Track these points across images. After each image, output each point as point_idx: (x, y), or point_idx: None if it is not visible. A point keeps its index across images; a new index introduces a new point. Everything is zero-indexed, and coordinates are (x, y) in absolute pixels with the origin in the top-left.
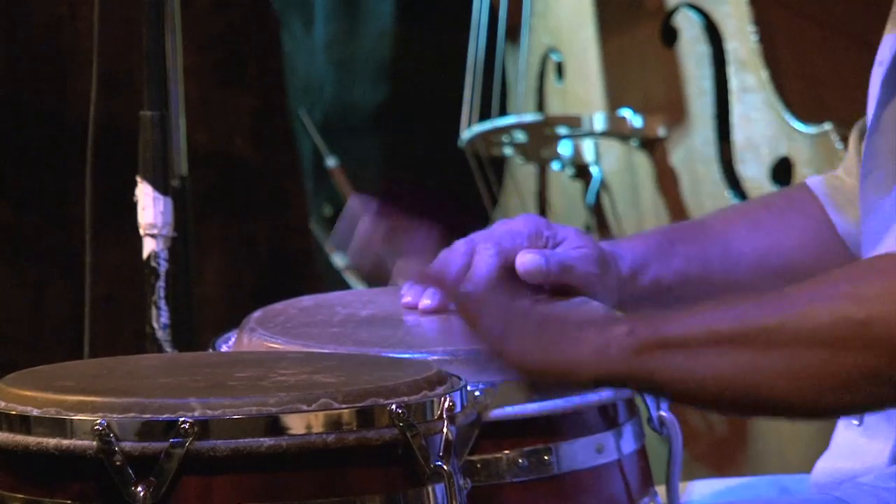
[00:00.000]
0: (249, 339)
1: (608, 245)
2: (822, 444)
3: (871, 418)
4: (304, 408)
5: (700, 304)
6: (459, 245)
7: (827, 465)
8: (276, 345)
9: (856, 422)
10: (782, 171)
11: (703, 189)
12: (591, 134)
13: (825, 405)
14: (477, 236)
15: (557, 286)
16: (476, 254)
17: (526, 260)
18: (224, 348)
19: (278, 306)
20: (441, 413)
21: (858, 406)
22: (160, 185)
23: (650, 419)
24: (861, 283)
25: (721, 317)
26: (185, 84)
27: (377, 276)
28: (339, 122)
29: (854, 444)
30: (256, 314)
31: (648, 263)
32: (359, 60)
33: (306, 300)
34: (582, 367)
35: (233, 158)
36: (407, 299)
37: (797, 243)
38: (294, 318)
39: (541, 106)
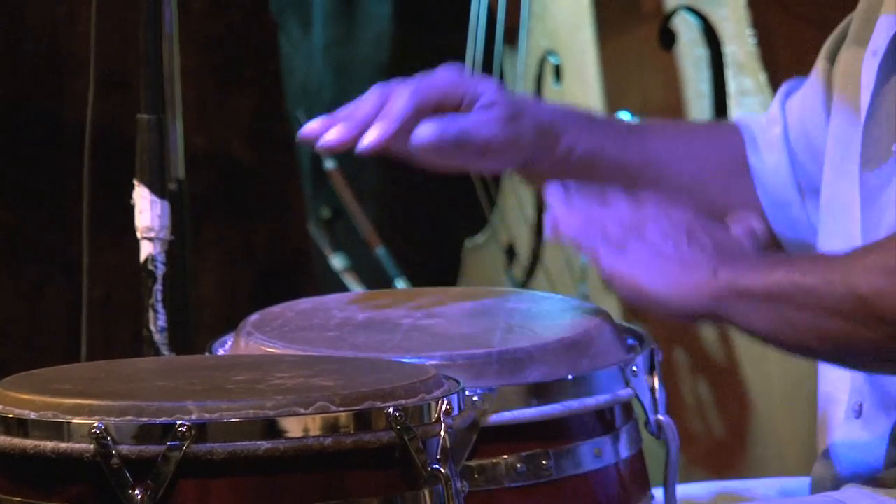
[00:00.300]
0: (246, 342)
1: (526, 100)
2: (822, 446)
3: (869, 411)
4: (302, 411)
5: (769, 259)
6: (374, 89)
7: (825, 465)
8: (273, 348)
9: (854, 414)
10: None
11: None
12: None
13: (848, 363)
14: (393, 84)
15: (461, 152)
16: (391, 96)
17: (422, 132)
18: (220, 352)
19: (275, 309)
20: (438, 416)
21: (874, 370)
22: (157, 188)
23: (647, 423)
24: (872, 257)
25: (778, 276)
26: (183, 87)
27: None
28: None
29: (853, 437)
30: (253, 317)
31: (569, 128)
32: (357, 63)
33: (304, 303)
34: (671, 301)
35: (230, 161)
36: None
37: (713, 160)
38: (291, 321)
39: None
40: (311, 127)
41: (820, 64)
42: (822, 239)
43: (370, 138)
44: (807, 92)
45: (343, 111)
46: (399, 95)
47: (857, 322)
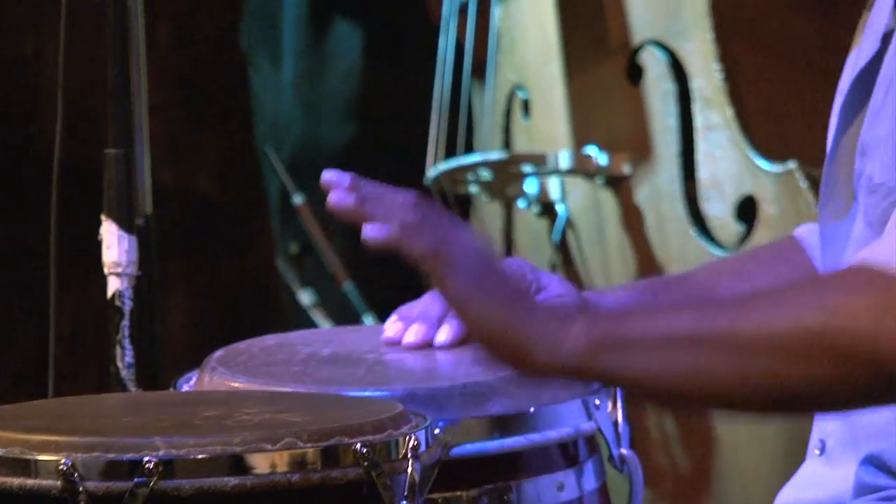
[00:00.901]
0: (210, 377)
1: (593, 295)
2: (786, 479)
3: (833, 447)
4: (269, 447)
5: (658, 306)
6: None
7: (790, 495)
8: (237, 384)
9: (817, 451)
10: (747, 210)
11: (668, 227)
12: (557, 172)
13: (774, 409)
14: None
15: None
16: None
17: None
18: (185, 388)
19: (241, 345)
20: (406, 452)
21: (806, 412)
22: (125, 224)
23: (611, 457)
24: (821, 294)
25: (678, 318)
26: (150, 122)
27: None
28: (307, 159)
29: (817, 474)
30: (218, 353)
31: None
32: (326, 98)
33: (269, 339)
34: (535, 351)
35: (198, 196)
36: (389, 335)
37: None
38: (256, 356)
39: (507, 143)
40: (389, 335)
41: None
42: None
43: (447, 336)
44: None
45: (417, 311)
46: None
47: (805, 359)
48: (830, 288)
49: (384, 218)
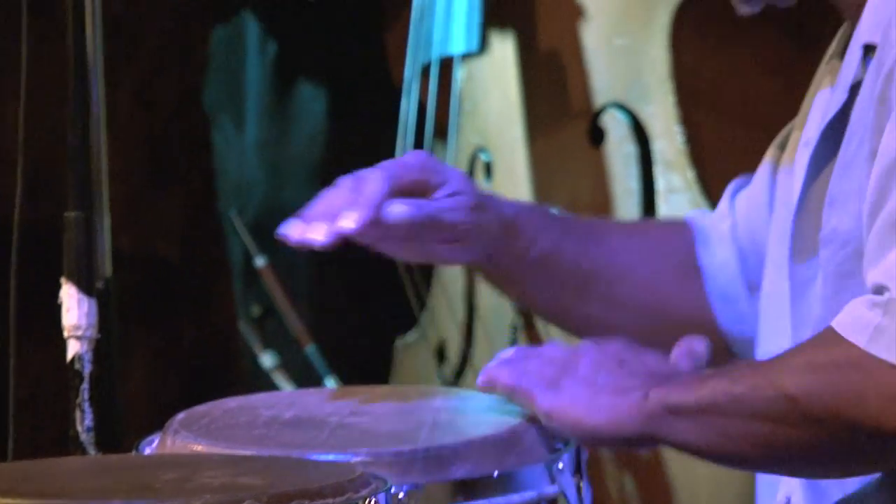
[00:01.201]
0: (172, 440)
1: (492, 199)
2: None
3: None
4: None
5: (700, 374)
6: (345, 179)
7: None
8: (199, 446)
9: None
10: None
11: None
12: None
13: (785, 469)
14: (363, 171)
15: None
16: (364, 180)
17: (395, 210)
18: (147, 451)
19: (202, 408)
20: None
21: (812, 475)
22: (85, 287)
23: None
24: (798, 357)
25: (709, 388)
26: (111, 185)
27: None
28: (270, 221)
29: None
30: (180, 416)
31: (531, 224)
32: (289, 160)
33: (231, 402)
34: (605, 429)
35: (159, 259)
36: (293, 234)
37: (666, 258)
38: (218, 419)
39: None
40: (290, 229)
41: (770, 152)
42: (760, 334)
43: (350, 224)
44: (754, 186)
45: (317, 206)
46: (372, 179)
47: (788, 424)
48: (802, 350)
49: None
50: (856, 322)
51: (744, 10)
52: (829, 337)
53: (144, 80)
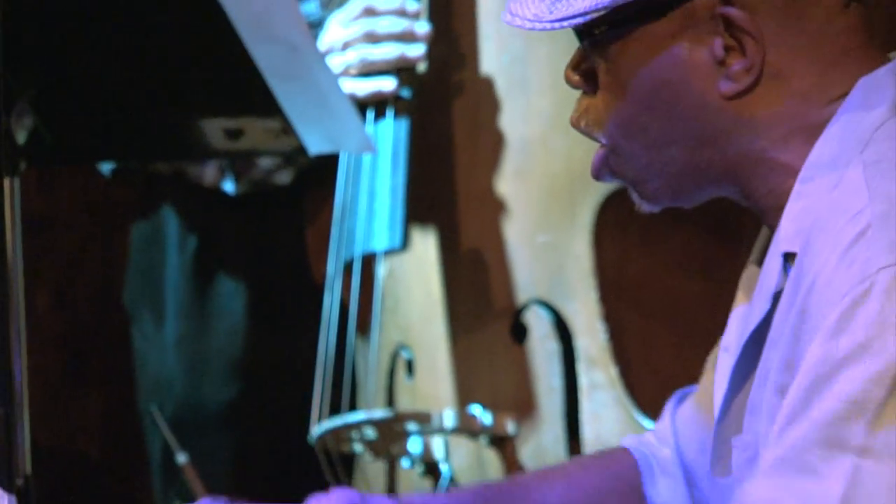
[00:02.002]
0: None
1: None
2: None
3: None
4: None
5: None
6: None
7: None
8: None
9: None
10: None
11: None
12: (441, 431)
13: None
14: None
15: None
16: None
17: None
18: None
19: None
20: None
21: None
22: (4, 484)
23: None
24: None
25: None
26: (31, 382)
27: None
28: (191, 418)
29: None
30: None
31: None
32: (210, 357)
33: None
34: None
35: (78, 456)
36: None
37: (610, 497)
38: None
39: (390, 402)
40: None
41: (710, 359)
42: None
43: None
44: (693, 396)
45: None
46: None
47: None
48: None
49: None
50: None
51: (645, 208)
52: None
53: (63, 279)
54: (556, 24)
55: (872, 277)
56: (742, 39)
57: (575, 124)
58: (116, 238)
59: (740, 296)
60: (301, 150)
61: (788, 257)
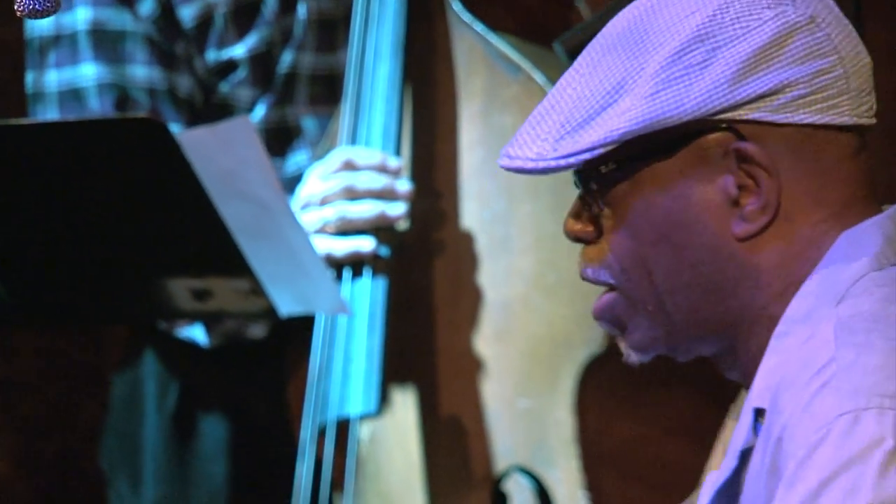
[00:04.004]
0: None
1: None
2: None
3: None
4: None
5: None
6: None
7: None
8: None
9: None
10: None
11: None
12: None
13: None
14: None
15: None
16: None
17: None
18: None
19: None
20: None
21: None
22: None
23: None
24: None
25: None
26: None
27: None
28: None
29: None
30: None
31: None
32: None
33: None
34: None
35: None
36: None
37: None
38: None
39: None
40: None
41: None
42: None
43: None
44: None
45: None
46: None
47: None
48: None
49: None
50: None
51: (633, 358)
52: None
53: (25, 444)
54: (562, 161)
55: (831, 424)
56: (757, 176)
57: (582, 275)
58: (82, 400)
59: (717, 455)
60: (271, 311)
61: (759, 414)
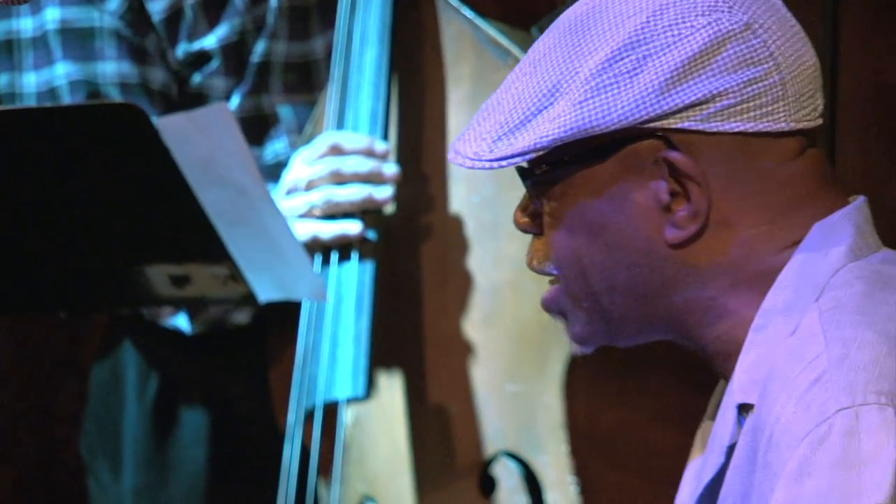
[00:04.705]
0: None
1: None
2: None
3: None
4: None
5: None
6: None
7: None
8: None
9: None
10: None
11: None
12: None
13: None
14: None
15: None
16: None
17: None
18: None
19: None
20: None
21: None
22: None
23: None
24: None
25: None
26: None
27: None
28: None
29: None
30: None
31: None
32: None
33: None
34: None
35: None
36: None
37: None
38: None
39: None
40: None
41: None
42: None
43: None
44: None
45: None
46: None
47: None
48: None
49: None
50: None
51: (575, 349)
52: None
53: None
54: (495, 164)
55: (831, 420)
56: (686, 185)
57: (529, 265)
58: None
59: (695, 450)
60: (250, 297)
61: (743, 409)
